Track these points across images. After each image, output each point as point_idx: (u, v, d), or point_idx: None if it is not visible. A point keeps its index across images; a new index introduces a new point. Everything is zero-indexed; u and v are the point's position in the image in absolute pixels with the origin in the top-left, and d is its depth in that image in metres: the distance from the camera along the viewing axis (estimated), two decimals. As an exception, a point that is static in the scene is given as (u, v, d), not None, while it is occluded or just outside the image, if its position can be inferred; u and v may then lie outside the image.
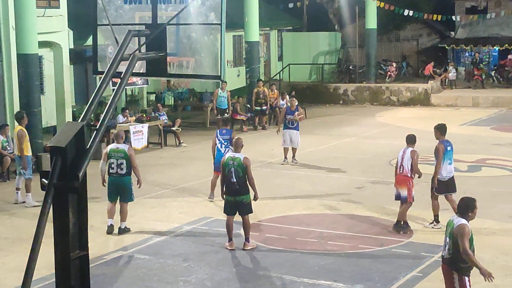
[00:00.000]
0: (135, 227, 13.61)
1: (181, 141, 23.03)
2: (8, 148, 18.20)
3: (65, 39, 22.81)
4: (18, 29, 18.95)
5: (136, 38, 8.26)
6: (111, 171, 13.15)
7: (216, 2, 8.24)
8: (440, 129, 13.51)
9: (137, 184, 13.44)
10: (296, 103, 19.72)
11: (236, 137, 12.91)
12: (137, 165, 13.36)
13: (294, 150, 19.35)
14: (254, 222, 13.74)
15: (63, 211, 6.64)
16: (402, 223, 13.10)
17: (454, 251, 8.20)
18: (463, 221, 8.20)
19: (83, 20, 21.81)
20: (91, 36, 9.28)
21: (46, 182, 6.55)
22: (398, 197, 13.26)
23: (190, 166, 18.51)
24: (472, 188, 16.14)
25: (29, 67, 18.98)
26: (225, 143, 15.17)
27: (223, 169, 12.18)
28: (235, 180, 12.08)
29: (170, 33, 8.37)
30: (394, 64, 37.20)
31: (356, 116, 29.70)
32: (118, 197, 13.24)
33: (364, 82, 34.64)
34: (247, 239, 12.30)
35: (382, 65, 37.24)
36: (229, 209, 12.28)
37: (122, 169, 13.07)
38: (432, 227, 13.19)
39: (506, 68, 36.27)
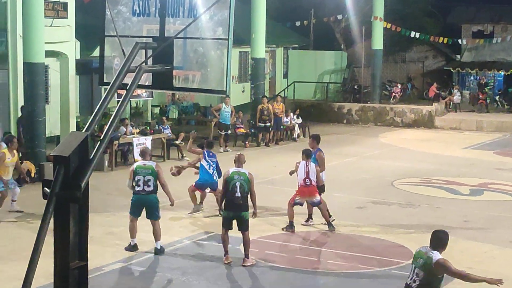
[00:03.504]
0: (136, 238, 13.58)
1: (184, 155, 23.02)
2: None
3: (71, 49, 22.88)
4: (25, 38, 19.03)
5: (143, 51, 8.28)
6: (137, 188, 12.78)
7: (224, 17, 8.26)
8: (317, 139, 15.10)
9: (170, 203, 13.41)
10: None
11: (239, 153, 12.92)
12: (166, 182, 13.19)
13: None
14: (254, 238, 13.72)
15: (64, 221, 6.63)
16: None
17: (424, 283, 8.05)
18: (439, 256, 8.05)
19: (90, 31, 21.88)
20: (98, 47, 9.31)
21: (48, 191, 6.55)
22: (313, 204, 14.48)
23: (191, 180, 18.43)
24: (473, 211, 16.13)
25: (35, 76, 19.03)
26: (213, 165, 15.29)
27: (226, 184, 12.17)
28: (239, 195, 12.09)
29: (177, 46, 8.39)
30: (399, 85, 37.26)
31: (359, 136, 29.70)
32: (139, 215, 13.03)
33: (369, 102, 34.67)
34: (246, 256, 12.27)
35: (387, 86, 37.29)
36: (228, 224, 12.27)
37: (149, 186, 12.74)
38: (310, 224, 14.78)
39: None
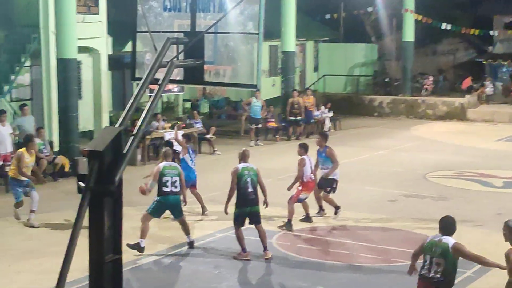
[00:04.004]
0: (167, 233, 13.70)
1: (215, 149, 23.12)
2: (45, 151, 18.45)
3: (103, 45, 23.07)
4: (58, 34, 19.22)
5: (175, 46, 8.34)
6: (165, 189, 12.57)
7: (254, 11, 8.29)
8: (325, 137, 15.09)
9: (184, 203, 13.37)
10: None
11: (243, 149, 12.88)
12: None
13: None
14: (286, 232, 13.77)
15: (98, 215, 6.71)
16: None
17: (448, 272, 8.17)
18: (454, 240, 8.23)
19: (122, 26, 21.99)
20: (130, 43, 9.39)
21: (83, 185, 6.64)
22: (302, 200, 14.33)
23: (223, 173, 18.50)
24: (506, 204, 16.00)
25: (68, 72, 19.23)
26: (194, 161, 15.40)
27: (238, 181, 12.12)
28: (252, 190, 12.16)
29: (208, 41, 8.44)
30: (431, 78, 36.96)
31: (390, 128, 29.54)
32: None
33: (400, 95, 34.46)
34: (266, 248, 12.29)
35: (418, 78, 37.03)
36: (243, 221, 12.26)
37: (176, 187, 12.66)
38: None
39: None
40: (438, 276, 8.19)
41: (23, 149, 14.28)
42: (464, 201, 16.62)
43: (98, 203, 6.68)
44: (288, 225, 13.95)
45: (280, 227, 14.06)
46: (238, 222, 12.25)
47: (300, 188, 14.02)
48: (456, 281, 10.37)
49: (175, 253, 12.60)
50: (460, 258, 8.25)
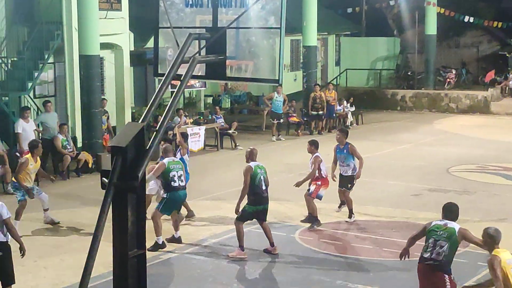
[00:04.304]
0: (190, 228, 13.75)
1: (237, 144, 23.15)
2: (68, 147, 18.58)
3: (126, 41, 23.16)
4: (80, 30, 19.33)
5: (197, 41, 8.34)
6: (174, 184, 12.50)
7: (276, 6, 8.27)
8: (346, 133, 14.69)
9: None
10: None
11: (251, 148, 12.78)
12: None
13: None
14: (305, 228, 13.76)
15: (122, 210, 6.75)
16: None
17: (449, 254, 8.58)
18: (459, 225, 8.72)
19: (144, 22, 22.13)
20: (152, 39, 9.41)
21: (106, 181, 6.68)
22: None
23: (234, 168, 18.57)
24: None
25: (90, 68, 19.33)
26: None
27: (252, 179, 11.97)
28: (265, 188, 12.12)
29: (230, 36, 8.43)
30: (454, 71, 36.72)
31: (413, 122, 29.41)
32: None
33: (423, 89, 34.29)
34: (272, 244, 12.24)
35: (441, 72, 36.80)
36: (251, 218, 12.20)
37: (182, 181, 12.63)
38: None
39: None
40: (440, 258, 8.57)
41: (28, 155, 13.84)
42: (488, 195, 16.52)
43: (121, 198, 6.72)
44: (315, 222, 13.79)
45: (303, 221, 14.01)
46: (245, 218, 12.14)
47: (319, 183, 13.86)
48: (477, 277, 10.41)
49: (198, 248, 12.64)
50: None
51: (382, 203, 15.75)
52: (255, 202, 12.06)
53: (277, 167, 19.72)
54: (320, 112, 26.17)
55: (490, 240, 8.15)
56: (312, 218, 13.86)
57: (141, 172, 6.69)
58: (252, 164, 12.22)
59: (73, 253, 12.21)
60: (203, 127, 22.34)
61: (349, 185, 14.36)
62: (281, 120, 25.20)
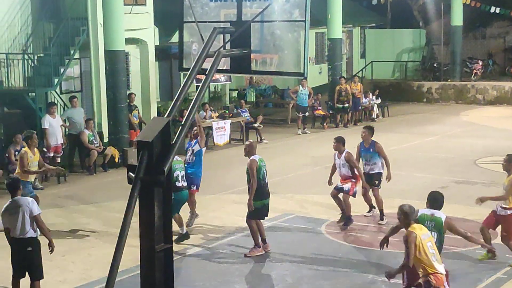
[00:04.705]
0: (216, 222, 13.78)
1: (263, 138, 23.14)
2: (95, 142, 18.70)
3: (151, 36, 23.24)
4: (106, 26, 19.42)
5: (221, 35, 8.34)
6: (178, 184, 12.33)
7: (301, -1, 8.24)
8: (372, 131, 14.07)
9: None
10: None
11: (251, 141, 12.60)
12: None
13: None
14: (334, 220, 13.72)
15: (149, 204, 6.78)
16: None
17: (439, 244, 8.67)
18: (445, 214, 8.91)
19: (169, 17, 22.18)
20: (177, 33, 9.43)
21: (133, 175, 6.71)
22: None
23: (271, 162, 18.55)
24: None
25: (116, 63, 19.42)
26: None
27: (258, 173, 11.75)
28: (267, 181, 11.98)
29: (254, 30, 8.42)
30: (480, 62, 36.39)
31: (440, 114, 29.21)
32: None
33: (449, 80, 34.04)
34: (266, 240, 12.07)
35: (467, 63, 36.50)
36: (261, 214, 11.97)
37: (184, 181, 12.56)
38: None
39: None
40: None
41: (26, 148, 13.63)
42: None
43: (148, 193, 6.75)
44: (348, 220, 13.42)
45: (338, 222, 13.59)
46: (260, 215, 11.92)
47: (354, 180, 13.43)
48: (486, 282, 10.32)
49: (224, 241, 12.66)
50: None
51: (408, 196, 15.65)
52: (262, 196, 11.82)
53: (302, 161, 19.70)
54: (346, 105, 26.09)
55: (404, 216, 8.42)
56: (346, 217, 13.46)
57: (167, 167, 6.71)
58: (255, 157, 11.92)
59: (100, 247, 12.29)
60: (228, 121, 22.36)
61: (377, 182, 13.84)
62: (307, 114, 25.16)
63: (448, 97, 33.03)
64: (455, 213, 14.23)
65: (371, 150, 13.82)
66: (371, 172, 13.87)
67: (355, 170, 13.39)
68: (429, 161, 19.50)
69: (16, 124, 18.72)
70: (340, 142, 13.56)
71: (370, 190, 13.79)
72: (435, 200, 9.00)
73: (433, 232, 8.61)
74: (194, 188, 13.32)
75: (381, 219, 13.74)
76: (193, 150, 13.45)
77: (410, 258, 8.13)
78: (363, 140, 13.93)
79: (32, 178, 13.81)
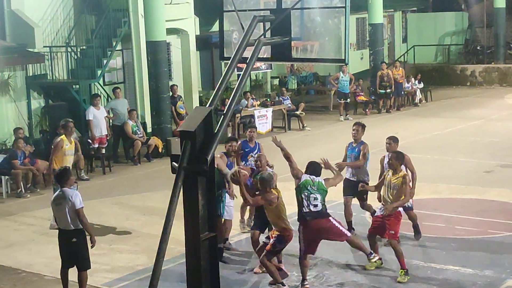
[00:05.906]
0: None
1: (305, 125, 23.11)
2: (138, 132, 18.87)
3: (191, 26, 23.31)
4: (147, 17, 19.53)
5: (261, 24, 8.35)
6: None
7: (341, -15, 8.20)
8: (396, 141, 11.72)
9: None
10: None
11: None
12: None
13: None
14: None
15: (192, 194, 6.84)
16: None
17: (323, 202, 9.89)
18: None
19: (208, 6, 22.22)
20: (217, 22, 9.45)
21: (176, 165, 6.76)
22: None
23: (313, 149, 18.51)
24: None
25: (157, 54, 19.53)
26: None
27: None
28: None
29: (294, 17, 8.41)
30: (524, 44, 35.79)
31: (484, 98, 28.82)
32: None
33: (493, 63, 33.54)
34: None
35: (511, 45, 35.91)
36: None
37: None
38: None
39: None
40: (316, 208, 9.78)
41: (62, 136, 13.29)
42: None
43: (191, 182, 6.80)
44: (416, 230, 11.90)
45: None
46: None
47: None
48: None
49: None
50: None
51: (454, 181, 15.52)
52: None
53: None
54: (388, 90, 25.87)
55: (265, 184, 10.00)
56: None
57: (210, 156, 6.75)
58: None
59: (146, 237, 12.42)
60: (270, 109, 22.36)
61: (365, 196, 12.08)
62: (348, 100, 25.03)
63: (492, 80, 32.55)
64: (501, 198, 14.08)
65: (357, 150, 12.08)
66: (353, 179, 11.95)
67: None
68: (474, 145, 19.28)
69: (61, 116, 18.92)
70: (394, 141, 11.59)
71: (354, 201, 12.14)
72: (313, 169, 10.05)
73: (319, 195, 9.79)
74: None
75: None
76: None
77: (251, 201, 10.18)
78: (355, 138, 12.16)
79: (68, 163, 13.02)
